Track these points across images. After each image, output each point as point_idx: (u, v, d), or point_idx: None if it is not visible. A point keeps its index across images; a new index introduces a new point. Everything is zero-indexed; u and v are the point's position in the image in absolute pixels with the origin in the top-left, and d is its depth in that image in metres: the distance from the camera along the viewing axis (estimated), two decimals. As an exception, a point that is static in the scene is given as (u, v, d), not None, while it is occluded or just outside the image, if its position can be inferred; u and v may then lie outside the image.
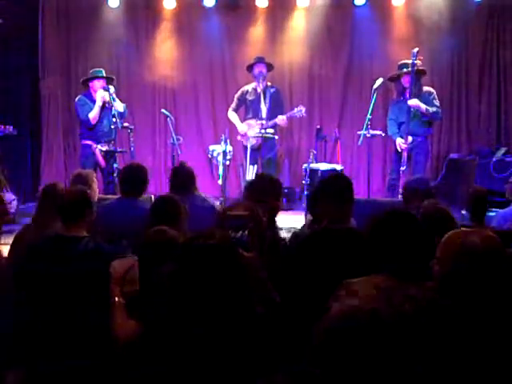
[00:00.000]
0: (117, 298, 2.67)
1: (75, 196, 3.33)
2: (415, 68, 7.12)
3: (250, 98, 8.08)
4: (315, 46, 9.23)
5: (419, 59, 7.16)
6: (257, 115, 7.93)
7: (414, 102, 7.22)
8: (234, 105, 8.26)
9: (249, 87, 8.13)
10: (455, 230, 2.37)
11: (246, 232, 2.70)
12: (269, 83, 8.04)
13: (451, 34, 8.90)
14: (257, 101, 7.95)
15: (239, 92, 8.21)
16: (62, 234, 3.24)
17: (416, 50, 7.16)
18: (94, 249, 3.15)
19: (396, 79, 7.54)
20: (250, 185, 4.07)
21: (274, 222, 3.70)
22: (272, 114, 7.84)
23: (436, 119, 7.65)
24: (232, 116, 8.24)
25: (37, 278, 3.07)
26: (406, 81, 7.39)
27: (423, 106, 7.25)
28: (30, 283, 3.09)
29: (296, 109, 7.90)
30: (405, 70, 7.35)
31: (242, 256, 2.51)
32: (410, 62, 7.31)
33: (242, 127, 8.07)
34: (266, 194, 3.66)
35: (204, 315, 2.02)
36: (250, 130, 7.97)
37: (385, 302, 2.16)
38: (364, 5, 8.97)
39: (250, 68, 8.05)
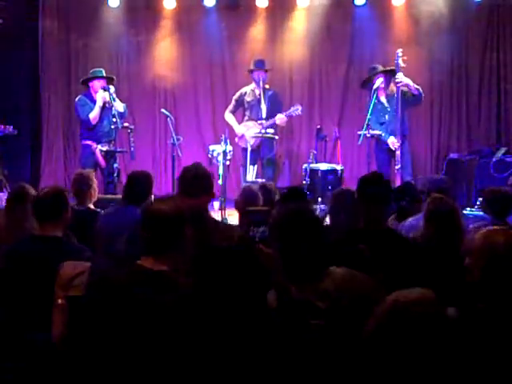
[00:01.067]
0: (60, 301, 2.66)
1: (51, 195, 3.24)
2: (400, 68, 7.23)
3: (248, 99, 8.08)
4: (315, 46, 9.23)
5: (403, 59, 7.24)
6: (255, 116, 7.94)
7: (401, 77, 7.28)
8: (231, 106, 8.26)
9: (247, 89, 8.13)
10: (489, 229, 2.45)
11: (267, 227, 2.69)
12: (267, 86, 8.05)
13: (451, 33, 8.89)
14: (255, 102, 7.97)
15: (237, 94, 8.21)
16: (38, 234, 3.17)
17: (400, 50, 7.30)
18: (68, 250, 3.10)
19: (367, 83, 7.63)
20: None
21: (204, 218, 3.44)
22: (270, 116, 7.85)
23: (421, 97, 7.56)
24: (229, 118, 8.24)
25: (13, 278, 3.03)
26: (379, 81, 7.48)
27: (411, 82, 7.34)
28: (5, 284, 3.05)
29: (292, 108, 7.91)
30: (378, 69, 7.52)
31: (262, 253, 2.50)
32: (378, 66, 7.55)
33: (239, 129, 8.07)
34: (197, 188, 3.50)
35: (222, 316, 2.01)
36: (248, 131, 7.97)
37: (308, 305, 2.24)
38: (364, 5, 8.96)
39: (250, 71, 8.07)
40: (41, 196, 3.30)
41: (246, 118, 8.12)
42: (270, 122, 7.83)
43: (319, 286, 2.29)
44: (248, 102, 8.08)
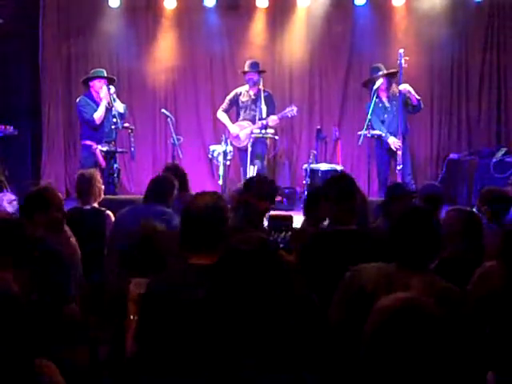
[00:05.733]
0: (132, 316, 2.69)
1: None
2: (402, 67, 7.24)
3: (243, 99, 8.09)
4: (315, 46, 9.23)
5: (405, 60, 7.24)
6: (249, 117, 7.96)
7: (405, 86, 7.30)
8: (224, 105, 8.26)
9: (242, 89, 8.14)
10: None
11: (289, 233, 2.70)
12: (261, 87, 8.04)
13: (451, 34, 8.90)
14: (250, 103, 7.99)
15: (232, 94, 8.22)
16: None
17: (402, 50, 7.27)
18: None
19: (369, 83, 7.67)
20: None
21: None
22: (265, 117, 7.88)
23: (420, 107, 7.63)
24: (222, 117, 8.23)
25: None
26: (381, 82, 7.49)
27: (413, 91, 7.35)
28: None
29: (288, 108, 7.90)
30: (380, 73, 7.53)
31: (283, 259, 2.52)
32: (380, 65, 7.57)
33: (233, 129, 8.07)
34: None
35: (244, 319, 2.01)
36: (243, 131, 7.97)
37: (385, 288, 2.24)
38: (364, 5, 8.97)
39: (244, 72, 8.09)
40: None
41: (241, 118, 8.12)
42: (264, 123, 7.84)
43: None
44: (243, 103, 8.09)
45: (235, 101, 8.15)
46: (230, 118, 8.25)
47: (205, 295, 2.14)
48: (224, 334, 2.00)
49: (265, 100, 7.93)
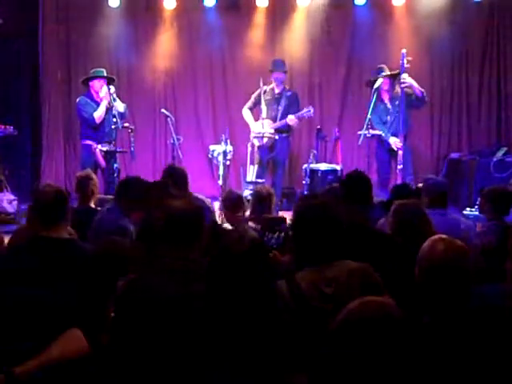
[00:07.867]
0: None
1: (50, 196, 3.21)
2: (404, 68, 7.21)
3: (266, 97, 8.06)
4: (315, 46, 9.23)
5: (407, 60, 7.22)
6: (271, 115, 7.95)
7: (406, 78, 7.26)
8: (250, 103, 8.22)
9: (267, 87, 8.12)
10: (433, 237, 2.42)
11: (282, 234, 2.71)
12: (286, 86, 8.08)
13: (451, 34, 8.90)
14: (273, 101, 7.97)
15: (257, 91, 8.15)
16: (43, 235, 3.11)
17: (404, 50, 7.25)
18: (74, 251, 3.05)
19: (371, 83, 7.66)
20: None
21: None
22: (286, 116, 7.87)
23: (424, 100, 7.64)
24: (246, 114, 8.20)
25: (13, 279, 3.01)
26: (384, 83, 7.50)
27: (415, 84, 7.34)
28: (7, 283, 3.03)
29: (305, 109, 7.91)
30: (383, 73, 7.53)
31: (275, 259, 2.53)
32: (384, 66, 7.58)
33: (254, 127, 8.04)
34: None
35: (235, 319, 2.01)
36: (264, 129, 7.98)
37: (316, 290, 2.32)
38: (364, 5, 8.97)
39: (270, 71, 8.09)
40: (40, 197, 3.27)
41: (262, 115, 8.08)
42: (282, 122, 7.84)
43: (327, 273, 2.39)
44: (265, 101, 8.05)
45: (259, 99, 8.10)
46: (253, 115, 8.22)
47: (178, 294, 2.18)
48: (204, 333, 2.01)
49: (287, 100, 7.94)
